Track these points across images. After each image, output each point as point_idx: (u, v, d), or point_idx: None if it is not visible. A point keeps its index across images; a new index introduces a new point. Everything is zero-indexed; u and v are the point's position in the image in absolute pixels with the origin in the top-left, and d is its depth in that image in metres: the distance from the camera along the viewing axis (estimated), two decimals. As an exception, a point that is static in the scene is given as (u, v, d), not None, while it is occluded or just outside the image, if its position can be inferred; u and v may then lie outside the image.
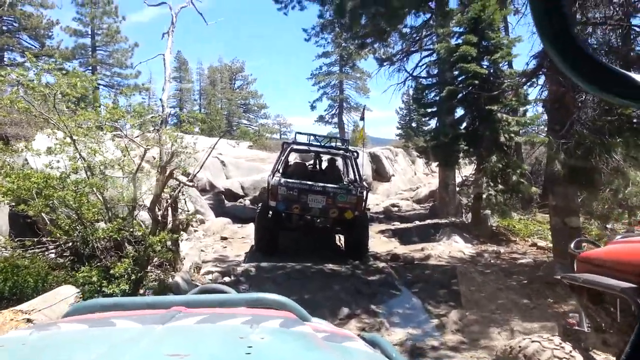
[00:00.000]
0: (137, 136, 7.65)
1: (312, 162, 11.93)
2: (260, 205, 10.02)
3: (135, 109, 7.72)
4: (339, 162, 11.71)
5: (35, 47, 31.71)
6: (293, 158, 12.79)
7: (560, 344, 2.99)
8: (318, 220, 9.72)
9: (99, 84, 32.36)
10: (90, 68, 33.67)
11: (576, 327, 3.49)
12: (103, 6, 33.79)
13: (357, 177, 9.95)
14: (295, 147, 10.62)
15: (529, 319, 6.07)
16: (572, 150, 7.55)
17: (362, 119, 15.16)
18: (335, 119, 42.79)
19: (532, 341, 3.08)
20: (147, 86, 34.63)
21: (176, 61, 46.62)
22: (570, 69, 0.58)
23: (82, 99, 8.64)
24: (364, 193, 9.30)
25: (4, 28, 31.58)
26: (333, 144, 11.33)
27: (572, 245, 3.90)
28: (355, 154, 10.40)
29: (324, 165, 11.53)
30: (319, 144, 10.94)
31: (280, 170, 9.92)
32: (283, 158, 10.25)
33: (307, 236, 10.49)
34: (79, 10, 33.64)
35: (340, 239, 10.82)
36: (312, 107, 42.10)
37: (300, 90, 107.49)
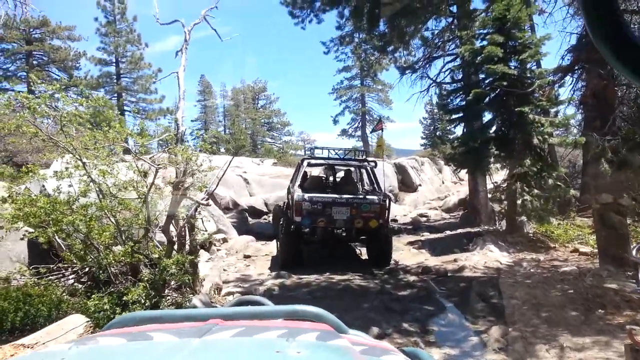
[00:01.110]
0: (152, 156, 7.37)
1: (330, 174, 12.01)
2: (283, 221, 9.90)
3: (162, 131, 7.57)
4: (358, 172, 11.65)
5: (65, 78, 32.49)
6: (311, 172, 12.52)
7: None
8: (341, 232, 9.69)
9: (125, 110, 32.94)
10: (115, 95, 34.26)
11: (647, 347, 2.93)
12: (126, 34, 34.44)
13: (376, 186, 10.00)
14: (312, 161, 10.55)
15: (579, 333, 5.42)
16: (618, 147, 6.94)
17: (382, 129, 14.82)
18: (359, 132, 42.44)
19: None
20: (172, 109, 34.94)
21: (200, 85, 47.39)
22: (624, 67, 0.52)
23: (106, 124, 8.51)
24: (387, 201, 9.35)
25: (35, 62, 32.53)
26: (351, 156, 11.19)
27: (633, 252, 3.36)
28: (373, 163, 10.43)
29: (342, 176, 11.54)
30: (336, 156, 10.79)
31: (299, 185, 9.82)
32: (301, 173, 10.16)
33: (331, 248, 10.48)
34: (103, 40, 34.39)
35: (361, 252, 10.82)
36: (335, 122, 42.03)
37: (322, 105, 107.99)
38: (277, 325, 1.04)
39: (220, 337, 0.96)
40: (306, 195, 9.09)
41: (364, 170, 10.91)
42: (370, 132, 16.21)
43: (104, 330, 1.13)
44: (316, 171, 12.88)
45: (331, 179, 11.89)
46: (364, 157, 11.14)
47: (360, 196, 9.63)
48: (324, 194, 9.41)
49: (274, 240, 11.36)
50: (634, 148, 6.86)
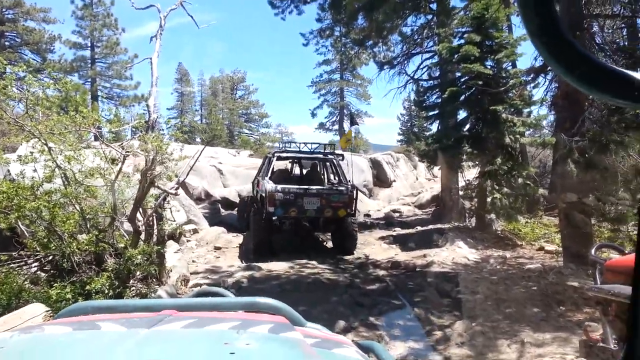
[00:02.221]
0: (121, 143, 7.21)
1: (297, 167, 12.72)
2: (253, 212, 10.28)
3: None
4: (324, 165, 11.98)
5: (37, 61, 31.63)
6: (285, 165, 13.32)
7: (586, 368, 2.47)
8: (310, 222, 10.28)
9: (98, 95, 32.23)
10: (89, 80, 33.47)
11: (601, 344, 2.99)
12: (102, 19, 33.65)
13: (342, 178, 10.48)
14: (282, 154, 10.99)
15: (540, 329, 5.55)
16: (585, 149, 7.08)
17: (354, 124, 15.24)
18: (336, 126, 42.43)
19: (552, 365, 2.55)
20: (147, 97, 34.34)
21: (177, 72, 46.62)
22: (559, 65, 0.52)
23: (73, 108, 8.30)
24: (355, 192, 9.86)
25: (7, 43, 31.54)
26: (317, 149, 11.63)
27: (592, 251, 3.41)
28: (340, 157, 11.05)
29: (309, 169, 12.09)
30: (306, 149, 11.38)
31: (270, 178, 10.18)
32: (271, 166, 10.54)
33: (301, 238, 10.94)
34: (79, 23, 33.53)
35: (326, 242, 11.40)
36: (313, 115, 42.01)
37: (301, 98, 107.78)
38: (231, 317, 1.03)
39: (169, 328, 0.94)
40: (279, 187, 9.45)
41: (329, 164, 11.30)
42: (350, 126, 16.63)
43: (55, 318, 1.12)
44: (283, 164, 13.23)
45: (298, 171, 12.59)
46: (332, 150, 11.61)
47: (330, 187, 10.22)
48: (295, 185, 9.85)
49: (245, 233, 11.38)
50: (600, 150, 7.00)
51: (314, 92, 41.77)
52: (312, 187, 9.82)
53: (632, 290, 0.55)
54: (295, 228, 10.42)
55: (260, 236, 9.53)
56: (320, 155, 11.23)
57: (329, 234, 11.08)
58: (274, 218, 9.72)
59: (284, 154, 11.08)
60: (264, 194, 9.49)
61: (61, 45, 33.34)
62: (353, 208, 9.84)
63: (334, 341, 1.03)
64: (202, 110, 47.37)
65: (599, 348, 2.95)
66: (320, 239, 11.61)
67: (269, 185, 9.42)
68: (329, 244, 11.12)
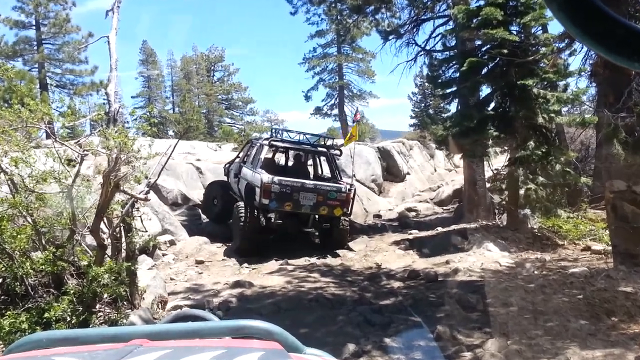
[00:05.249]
0: (78, 141, 7.22)
1: (285, 157, 13.59)
2: (239, 205, 10.83)
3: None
4: (319, 158, 12.74)
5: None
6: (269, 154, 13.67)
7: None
8: (303, 217, 11.00)
9: (48, 83, 32.09)
10: (36, 66, 33.28)
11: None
12: (48, -10, 33.42)
13: (334, 174, 11.52)
14: (275, 143, 11.67)
15: (588, 346, 5.58)
16: (633, 126, 7.09)
17: (356, 121, 16.80)
18: (335, 110, 42.19)
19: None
20: (107, 84, 34.18)
21: (142, 53, 46.47)
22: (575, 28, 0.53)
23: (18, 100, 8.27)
24: (353, 191, 10.77)
25: None
26: (312, 141, 12.21)
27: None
28: (338, 152, 12.04)
29: (301, 161, 12.83)
30: (301, 139, 11.95)
31: (261, 167, 10.78)
32: (262, 155, 11.12)
33: (292, 236, 11.62)
34: (20, -3, 33.22)
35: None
36: (307, 98, 41.59)
37: (292, 79, 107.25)
38: (214, 346, 1.02)
39: None
40: (275, 179, 10.15)
41: (324, 157, 12.03)
42: (353, 122, 17.04)
43: (5, 355, 1.11)
44: (271, 153, 13.57)
45: (288, 162, 13.36)
46: (330, 142, 12.32)
47: (328, 183, 10.86)
48: (292, 178, 10.48)
49: (231, 243, 11.47)
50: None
51: (306, 70, 41.39)
52: (309, 181, 10.69)
53: None
54: (283, 224, 11.02)
55: (251, 232, 10.29)
56: (317, 148, 11.88)
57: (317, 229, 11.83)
58: (267, 211, 10.40)
59: (278, 143, 11.76)
60: (257, 185, 10.03)
61: (0, 25, 33.17)
62: (350, 208, 10.74)
63: None
64: (174, 97, 47.32)
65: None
66: (311, 237, 12.45)
67: (264, 175, 10.00)
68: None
